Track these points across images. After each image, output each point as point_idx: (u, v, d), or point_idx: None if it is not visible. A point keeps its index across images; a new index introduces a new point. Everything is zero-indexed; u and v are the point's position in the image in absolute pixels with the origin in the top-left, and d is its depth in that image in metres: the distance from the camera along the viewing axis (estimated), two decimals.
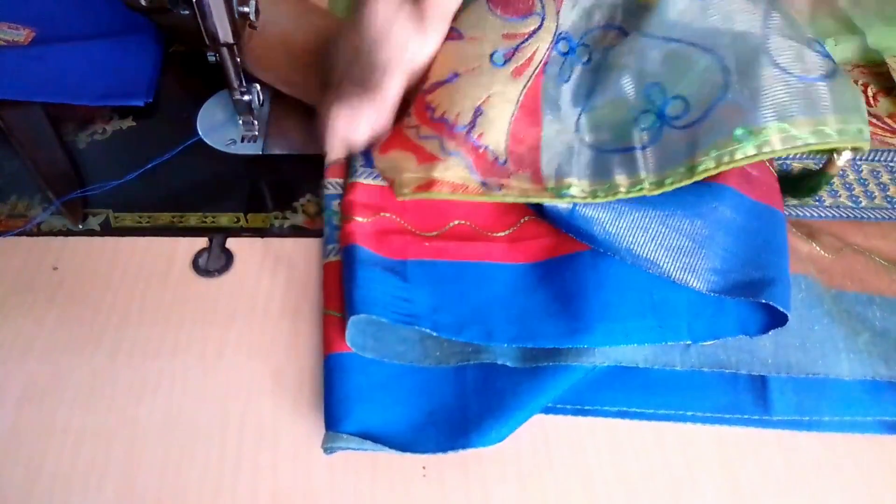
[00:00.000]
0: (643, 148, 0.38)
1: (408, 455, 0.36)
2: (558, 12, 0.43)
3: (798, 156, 0.46)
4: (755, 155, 0.35)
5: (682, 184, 0.36)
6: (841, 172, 0.47)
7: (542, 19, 0.42)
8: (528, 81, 0.41)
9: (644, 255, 0.37)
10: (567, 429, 0.38)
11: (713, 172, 0.35)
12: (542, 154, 0.40)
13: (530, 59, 0.42)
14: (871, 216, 0.45)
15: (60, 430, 0.37)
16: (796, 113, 0.35)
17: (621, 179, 0.37)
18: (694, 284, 0.36)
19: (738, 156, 0.35)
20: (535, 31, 0.42)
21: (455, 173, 0.39)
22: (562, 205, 0.38)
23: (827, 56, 0.38)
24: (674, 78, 0.39)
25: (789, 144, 0.34)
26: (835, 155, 0.38)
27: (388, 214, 0.41)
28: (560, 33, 0.42)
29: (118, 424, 0.37)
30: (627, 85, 0.40)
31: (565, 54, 0.42)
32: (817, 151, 0.38)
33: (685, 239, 0.36)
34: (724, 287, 0.36)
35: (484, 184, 0.39)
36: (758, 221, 0.38)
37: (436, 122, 0.41)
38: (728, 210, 0.37)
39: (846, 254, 0.42)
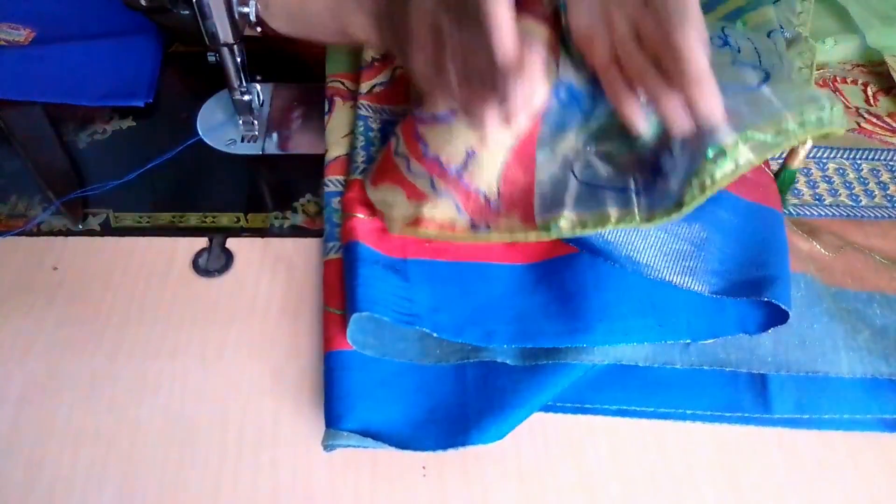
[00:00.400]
0: (637, 193, 0.37)
1: (408, 454, 0.36)
2: (557, 64, 0.42)
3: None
4: (735, 170, 0.34)
5: (671, 219, 0.35)
6: (840, 170, 0.47)
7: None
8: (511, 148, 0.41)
9: (643, 262, 0.37)
10: (567, 428, 0.38)
11: (702, 200, 0.34)
12: (535, 197, 0.39)
13: None
14: (871, 215, 0.45)
15: (60, 430, 0.37)
16: (755, 119, 0.34)
17: (612, 212, 0.36)
18: (695, 287, 0.36)
19: (719, 175, 0.34)
20: None
21: (443, 213, 0.39)
22: None
23: (755, 68, 0.38)
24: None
25: (759, 150, 0.34)
26: (799, 147, 0.38)
27: None
28: (560, 81, 0.42)
29: (118, 424, 0.37)
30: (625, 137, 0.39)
31: (566, 103, 0.42)
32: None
33: (684, 243, 0.36)
34: (724, 288, 0.36)
35: (472, 224, 0.39)
36: (755, 222, 0.38)
37: (428, 161, 0.40)
38: (724, 212, 0.37)
39: (846, 252, 0.43)
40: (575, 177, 0.39)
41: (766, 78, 0.37)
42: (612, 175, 0.38)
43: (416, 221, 0.39)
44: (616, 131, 0.39)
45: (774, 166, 0.44)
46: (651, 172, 0.37)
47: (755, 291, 0.35)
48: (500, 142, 0.40)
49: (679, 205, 0.34)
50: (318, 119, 0.50)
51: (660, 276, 0.36)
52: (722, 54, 0.40)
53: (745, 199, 0.38)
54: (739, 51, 0.42)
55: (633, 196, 0.37)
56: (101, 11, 0.58)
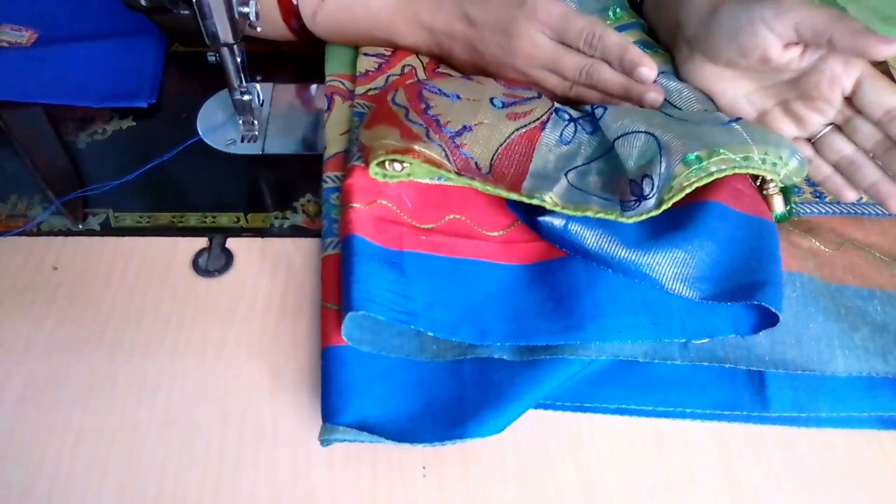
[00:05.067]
0: (623, 209, 0.39)
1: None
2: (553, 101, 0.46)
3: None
4: (709, 174, 0.36)
5: (650, 215, 0.37)
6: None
7: (540, 94, 0.45)
8: (522, 127, 0.43)
9: (636, 269, 0.37)
10: (567, 429, 0.38)
11: (678, 197, 0.36)
12: (526, 178, 0.41)
13: (527, 113, 0.43)
14: (871, 212, 0.45)
15: (60, 430, 0.37)
16: (728, 142, 0.37)
17: (595, 206, 0.38)
18: (686, 293, 0.36)
19: (693, 178, 0.36)
20: (533, 99, 0.45)
21: (434, 153, 0.40)
22: (555, 222, 0.39)
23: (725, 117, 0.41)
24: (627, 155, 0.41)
25: (729, 165, 0.36)
26: (773, 196, 0.42)
27: (385, 202, 0.41)
28: (558, 108, 0.45)
29: (118, 424, 0.37)
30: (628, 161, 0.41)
31: (570, 119, 0.44)
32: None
33: (676, 250, 0.37)
34: (715, 294, 0.36)
35: (458, 172, 0.40)
36: (744, 230, 0.38)
37: (427, 118, 0.42)
38: (717, 222, 0.38)
39: (847, 248, 0.43)
40: (567, 179, 0.40)
41: (737, 119, 0.40)
42: (599, 188, 0.40)
43: (405, 150, 0.39)
44: (611, 155, 0.41)
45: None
46: (635, 196, 0.39)
47: (746, 296, 0.35)
48: (498, 127, 0.42)
49: (658, 204, 0.37)
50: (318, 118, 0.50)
51: (652, 282, 0.37)
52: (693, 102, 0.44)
53: (735, 210, 0.38)
54: None
55: (618, 206, 0.39)
56: (103, 12, 0.58)
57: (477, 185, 0.40)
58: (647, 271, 0.37)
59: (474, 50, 0.47)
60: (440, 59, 0.51)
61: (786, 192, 0.42)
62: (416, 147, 0.39)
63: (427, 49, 0.50)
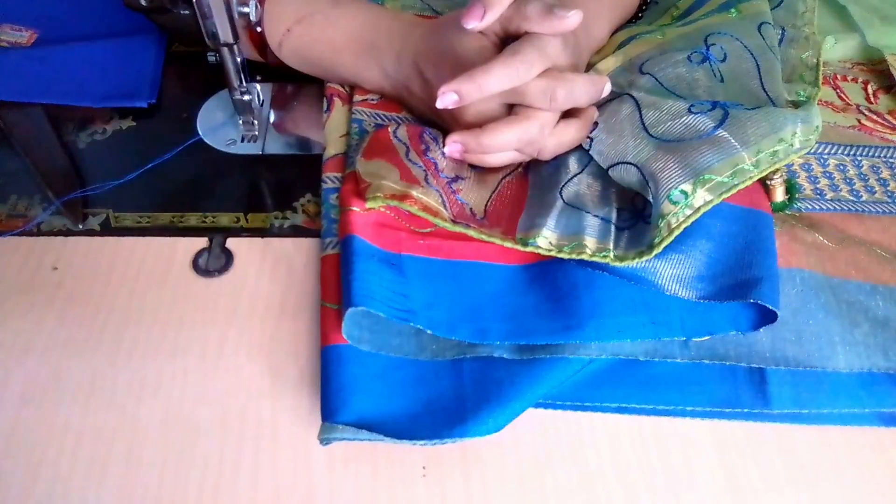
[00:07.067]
0: (619, 228, 0.39)
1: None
2: None
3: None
4: (694, 212, 0.37)
5: (641, 261, 0.37)
6: (841, 166, 0.47)
7: None
8: (509, 174, 0.44)
9: (632, 271, 0.37)
10: (567, 430, 0.38)
11: (669, 240, 0.36)
12: (521, 217, 0.41)
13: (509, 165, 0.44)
14: (872, 210, 0.45)
15: (60, 430, 0.37)
16: (711, 162, 0.37)
17: (590, 242, 0.38)
18: (683, 294, 0.37)
19: (682, 217, 0.37)
20: None
21: (431, 200, 0.40)
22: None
23: (711, 108, 0.40)
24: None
25: (716, 190, 0.37)
26: (776, 187, 0.42)
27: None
28: None
29: (118, 424, 0.37)
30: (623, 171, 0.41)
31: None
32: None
33: (671, 251, 0.37)
34: (712, 293, 0.36)
35: (454, 220, 0.40)
36: (738, 225, 0.38)
37: (426, 160, 0.42)
38: (709, 217, 0.38)
39: (849, 244, 0.43)
40: (561, 198, 0.41)
41: (724, 117, 0.39)
42: (596, 202, 0.40)
43: (403, 196, 0.39)
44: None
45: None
46: (631, 212, 0.40)
47: (741, 294, 0.35)
48: (486, 180, 0.44)
49: (650, 247, 0.37)
50: (318, 118, 0.50)
51: (649, 285, 0.37)
52: (677, 104, 0.42)
53: (730, 203, 0.39)
54: (725, 58, 0.44)
55: (613, 229, 0.39)
56: (103, 12, 0.58)
57: (472, 233, 0.40)
58: (644, 274, 0.37)
59: (429, 108, 0.45)
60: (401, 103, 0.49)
61: (790, 185, 0.42)
62: (414, 194, 0.39)
63: (389, 94, 0.48)
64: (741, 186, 0.37)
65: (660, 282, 0.37)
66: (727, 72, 0.45)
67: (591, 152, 0.42)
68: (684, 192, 0.37)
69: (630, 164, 0.40)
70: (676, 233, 0.36)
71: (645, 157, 0.39)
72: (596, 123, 0.42)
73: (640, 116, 0.41)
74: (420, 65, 0.44)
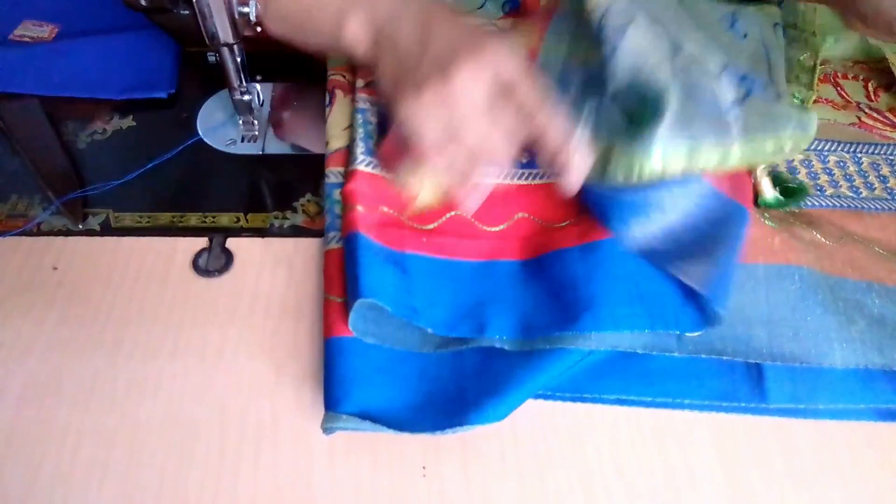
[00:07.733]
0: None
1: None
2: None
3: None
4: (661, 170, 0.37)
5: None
6: (841, 163, 0.47)
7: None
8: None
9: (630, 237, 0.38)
10: (567, 427, 0.38)
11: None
12: None
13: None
14: (871, 206, 0.45)
15: (60, 430, 0.37)
16: (709, 138, 0.38)
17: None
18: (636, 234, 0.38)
19: (646, 169, 0.37)
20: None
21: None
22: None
23: (744, 79, 0.41)
24: None
25: (694, 161, 0.38)
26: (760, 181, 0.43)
27: (385, 209, 0.42)
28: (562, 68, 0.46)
29: (118, 424, 0.37)
30: None
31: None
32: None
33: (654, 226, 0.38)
34: (660, 258, 0.38)
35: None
36: (717, 213, 0.39)
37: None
38: (691, 199, 0.39)
39: (847, 242, 0.43)
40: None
41: (747, 95, 0.40)
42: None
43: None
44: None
45: None
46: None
47: (687, 275, 0.36)
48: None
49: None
50: (318, 117, 0.50)
51: (640, 209, 0.38)
52: (712, 64, 0.41)
53: (714, 188, 0.40)
54: (745, 36, 0.44)
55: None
56: (121, 6, 0.59)
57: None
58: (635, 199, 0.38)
59: (400, 65, 0.40)
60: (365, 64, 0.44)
61: (778, 177, 0.43)
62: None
63: (364, 48, 0.43)
64: (724, 170, 0.38)
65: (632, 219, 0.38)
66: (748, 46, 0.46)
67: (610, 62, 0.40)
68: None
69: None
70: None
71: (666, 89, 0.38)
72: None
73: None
74: (429, 24, 0.39)
